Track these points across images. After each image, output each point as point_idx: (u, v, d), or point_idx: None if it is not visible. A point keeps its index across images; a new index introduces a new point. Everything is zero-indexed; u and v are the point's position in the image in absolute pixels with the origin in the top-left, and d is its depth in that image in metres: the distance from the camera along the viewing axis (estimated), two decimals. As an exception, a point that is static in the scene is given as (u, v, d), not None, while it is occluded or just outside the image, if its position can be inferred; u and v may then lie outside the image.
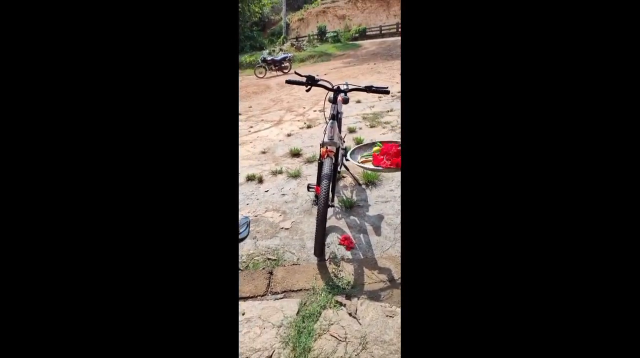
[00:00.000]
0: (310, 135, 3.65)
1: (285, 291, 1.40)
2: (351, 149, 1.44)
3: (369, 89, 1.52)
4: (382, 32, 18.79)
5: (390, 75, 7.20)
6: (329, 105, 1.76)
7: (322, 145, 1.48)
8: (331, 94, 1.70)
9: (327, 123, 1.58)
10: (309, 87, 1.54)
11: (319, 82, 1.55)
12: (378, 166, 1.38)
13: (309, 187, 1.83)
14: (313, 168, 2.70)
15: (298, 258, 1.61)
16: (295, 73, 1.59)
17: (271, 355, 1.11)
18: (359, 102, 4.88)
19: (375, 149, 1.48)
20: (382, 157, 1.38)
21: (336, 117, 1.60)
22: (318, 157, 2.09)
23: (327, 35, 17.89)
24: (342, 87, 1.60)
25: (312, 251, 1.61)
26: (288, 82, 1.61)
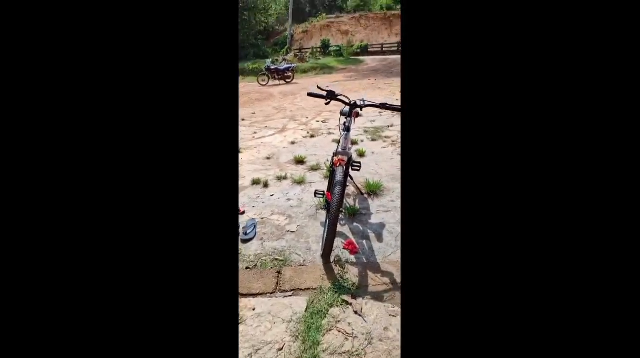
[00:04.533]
0: (313, 144, 3.77)
1: (293, 289, 1.47)
2: None
3: (383, 106, 1.66)
4: (384, 49, 19.40)
5: (390, 91, 7.44)
6: (342, 117, 1.89)
7: (336, 154, 1.59)
8: (347, 108, 1.82)
9: (341, 134, 1.71)
10: (329, 100, 1.67)
11: (339, 97, 1.69)
12: None
13: (316, 193, 1.93)
14: (317, 176, 2.80)
15: (304, 260, 1.69)
16: (318, 87, 1.71)
17: (282, 348, 1.17)
18: (359, 115, 5.04)
19: None
20: None
21: (349, 130, 1.72)
22: (330, 165, 2.19)
23: (330, 49, 18.37)
24: (359, 103, 1.73)
25: (318, 254, 1.70)
26: (310, 94, 1.73)
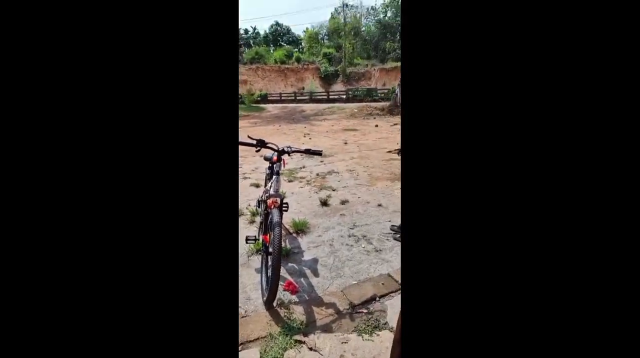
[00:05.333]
0: (230, 190, 3.70)
1: (242, 343, 1.39)
2: None
3: (307, 151, 1.90)
4: (282, 98, 21.06)
5: (295, 136, 8.06)
6: (266, 163, 2.03)
7: (269, 197, 1.68)
8: (271, 154, 1.97)
9: (272, 178, 1.82)
10: (259, 148, 1.79)
11: (268, 145, 1.83)
12: None
13: (247, 240, 1.91)
14: (240, 221, 2.75)
15: (246, 311, 1.62)
16: (248, 136, 1.81)
17: (241, 410, 1.09)
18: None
19: None
20: None
21: (279, 173, 1.86)
22: (258, 209, 2.21)
23: (230, 96, 18.63)
24: (287, 149, 1.91)
25: (259, 301, 1.66)
26: (240, 143, 1.80)
